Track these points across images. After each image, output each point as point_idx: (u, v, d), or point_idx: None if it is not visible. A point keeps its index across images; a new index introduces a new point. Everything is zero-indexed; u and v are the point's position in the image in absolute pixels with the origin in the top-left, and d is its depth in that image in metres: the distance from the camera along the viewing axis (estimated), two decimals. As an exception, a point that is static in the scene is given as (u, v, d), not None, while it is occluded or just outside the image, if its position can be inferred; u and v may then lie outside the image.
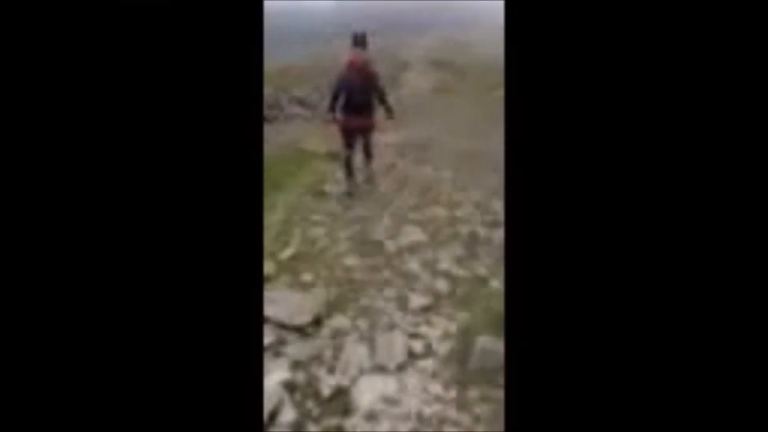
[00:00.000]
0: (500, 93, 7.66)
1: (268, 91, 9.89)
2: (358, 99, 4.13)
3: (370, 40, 4.84)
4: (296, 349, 2.68)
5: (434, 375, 2.49)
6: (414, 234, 4.04)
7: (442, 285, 3.32)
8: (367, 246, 3.85)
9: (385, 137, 5.86)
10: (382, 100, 4.41)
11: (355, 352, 2.64)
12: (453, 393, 2.37)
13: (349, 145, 4.44)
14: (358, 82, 4.09)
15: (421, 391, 2.39)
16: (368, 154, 4.54)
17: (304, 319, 2.85)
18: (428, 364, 2.57)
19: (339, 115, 4.32)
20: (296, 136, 7.46)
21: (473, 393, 2.36)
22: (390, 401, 2.32)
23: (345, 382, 2.44)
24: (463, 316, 2.94)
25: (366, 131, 4.39)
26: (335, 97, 4.22)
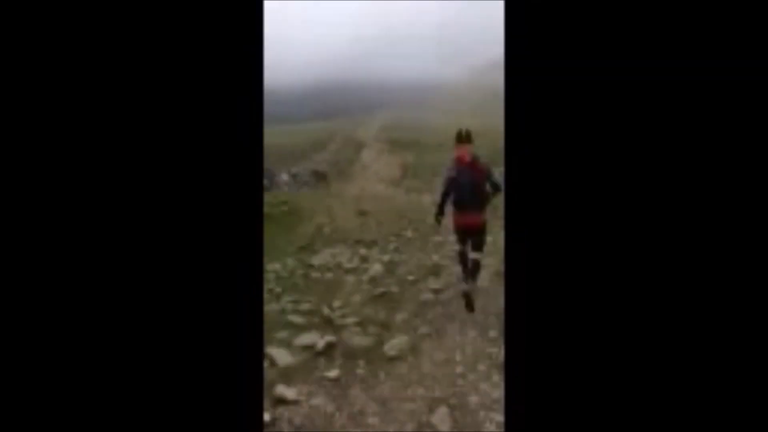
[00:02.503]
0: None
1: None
2: (468, 195, 3.91)
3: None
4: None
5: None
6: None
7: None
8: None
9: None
10: (497, 190, 4.12)
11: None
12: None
13: (462, 240, 4.18)
14: (467, 178, 3.89)
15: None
16: (478, 248, 4.19)
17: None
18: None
19: (452, 211, 4.12)
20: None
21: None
22: None
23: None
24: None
25: (477, 227, 4.07)
26: (446, 194, 4.05)
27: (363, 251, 6.71)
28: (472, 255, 4.13)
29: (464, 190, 3.89)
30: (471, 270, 4.19)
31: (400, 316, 3.99)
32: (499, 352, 3.09)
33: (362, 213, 9.71)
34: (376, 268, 5.63)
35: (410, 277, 5.10)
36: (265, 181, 12.70)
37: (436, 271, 5.34)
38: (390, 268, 5.64)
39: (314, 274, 5.74)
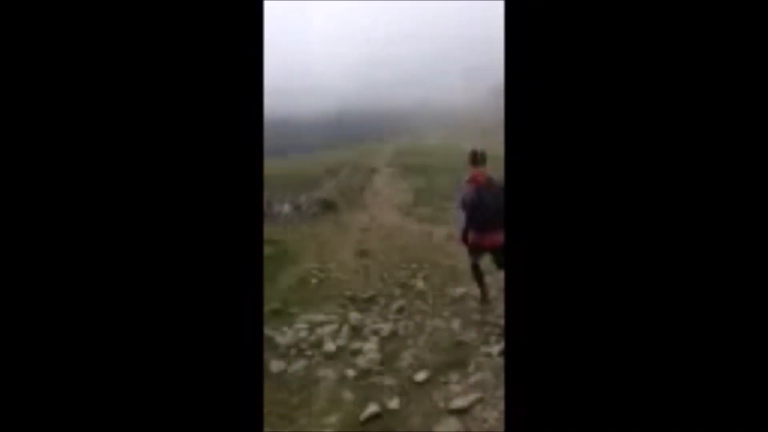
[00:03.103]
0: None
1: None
2: (484, 216, 3.82)
3: None
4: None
5: None
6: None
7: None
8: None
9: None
10: None
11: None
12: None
13: (475, 258, 4.12)
14: (482, 198, 3.80)
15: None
16: (499, 265, 4.07)
17: None
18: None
19: (467, 232, 4.02)
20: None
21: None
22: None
23: None
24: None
25: (495, 247, 3.93)
26: (469, 218, 3.93)
27: (355, 317, 4.57)
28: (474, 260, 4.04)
29: (484, 211, 3.77)
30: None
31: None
32: None
33: (363, 253, 7.60)
34: (371, 355, 3.63)
35: (419, 376, 3.10)
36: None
37: (461, 356, 3.32)
38: (391, 351, 3.68)
39: (275, 366, 3.57)
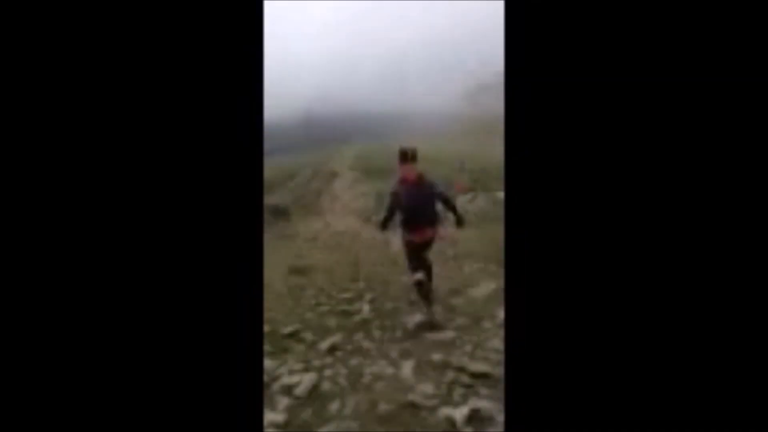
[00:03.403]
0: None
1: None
2: (417, 213, 3.68)
3: None
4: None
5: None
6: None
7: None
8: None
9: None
10: (452, 208, 3.98)
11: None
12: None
13: (416, 268, 3.76)
14: (414, 196, 3.65)
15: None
16: (428, 274, 3.84)
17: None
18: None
19: (400, 232, 3.85)
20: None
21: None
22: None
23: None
24: None
25: (426, 242, 3.80)
26: (390, 214, 3.89)
27: (269, 365, 3.08)
28: (417, 276, 3.74)
29: (412, 209, 3.69)
30: (428, 279, 3.83)
31: None
32: None
33: (299, 271, 6.06)
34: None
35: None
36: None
37: (410, 424, 2.27)
38: (303, 421, 2.40)
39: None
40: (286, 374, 3.04)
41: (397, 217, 3.86)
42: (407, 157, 3.74)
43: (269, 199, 16.06)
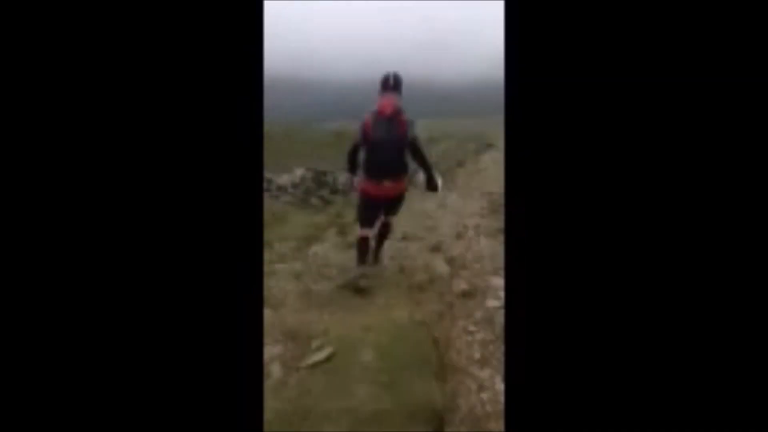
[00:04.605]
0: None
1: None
2: (385, 157, 2.97)
3: None
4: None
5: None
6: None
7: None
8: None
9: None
10: (422, 163, 3.16)
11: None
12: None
13: (367, 220, 3.21)
14: (385, 134, 2.93)
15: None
16: (393, 212, 3.34)
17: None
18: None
19: (359, 177, 3.18)
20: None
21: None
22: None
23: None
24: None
25: (392, 201, 3.18)
26: (354, 153, 3.17)
27: None
28: (386, 218, 3.34)
29: (380, 151, 2.98)
30: (379, 238, 3.40)
31: None
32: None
33: None
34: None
35: None
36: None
37: None
38: None
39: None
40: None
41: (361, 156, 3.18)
42: (388, 84, 3.03)
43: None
